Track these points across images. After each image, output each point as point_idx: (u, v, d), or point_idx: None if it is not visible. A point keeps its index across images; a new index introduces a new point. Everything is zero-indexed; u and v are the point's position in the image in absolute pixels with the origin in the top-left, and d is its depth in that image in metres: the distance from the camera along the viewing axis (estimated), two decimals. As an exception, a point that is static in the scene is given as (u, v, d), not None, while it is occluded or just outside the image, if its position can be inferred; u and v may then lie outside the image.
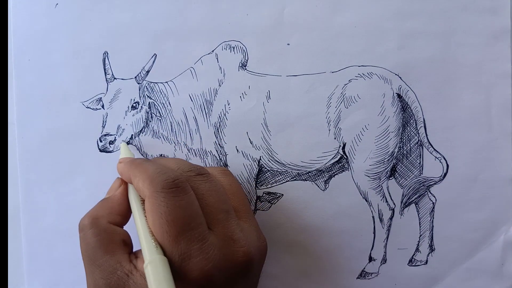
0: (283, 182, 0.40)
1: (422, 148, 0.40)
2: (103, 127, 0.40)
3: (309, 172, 0.40)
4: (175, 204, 0.29)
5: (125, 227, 0.33)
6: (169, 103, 0.40)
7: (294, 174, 0.40)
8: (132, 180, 0.32)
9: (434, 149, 0.40)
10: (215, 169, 0.37)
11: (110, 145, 0.40)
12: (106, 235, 0.31)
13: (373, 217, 0.40)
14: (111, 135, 0.40)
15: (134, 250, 0.32)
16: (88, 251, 0.30)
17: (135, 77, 0.40)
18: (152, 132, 0.40)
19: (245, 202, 0.35)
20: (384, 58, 0.40)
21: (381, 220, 0.40)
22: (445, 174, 0.40)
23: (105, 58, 0.40)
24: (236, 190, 0.35)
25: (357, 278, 0.41)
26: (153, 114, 0.40)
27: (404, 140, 0.40)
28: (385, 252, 0.41)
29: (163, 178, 0.30)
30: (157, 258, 0.28)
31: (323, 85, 0.40)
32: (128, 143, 0.40)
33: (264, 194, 0.40)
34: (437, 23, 0.40)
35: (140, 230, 0.30)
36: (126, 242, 0.32)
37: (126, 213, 0.33)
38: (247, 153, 0.40)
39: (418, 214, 0.41)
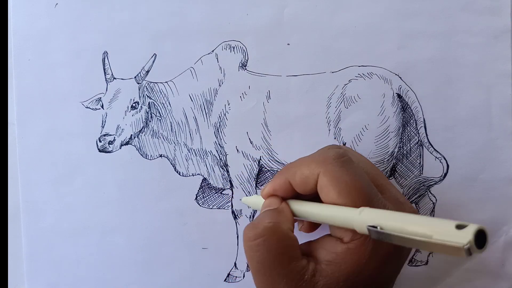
0: (283, 182, 0.40)
1: (422, 148, 0.40)
2: (103, 127, 0.40)
3: (309, 172, 0.40)
4: (354, 173, 0.29)
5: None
6: (169, 103, 0.40)
7: (294, 174, 0.40)
8: (293, 178, 0.31)
9: (434, 149, 0.40)
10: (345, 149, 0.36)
11: (109, 145, 0.40)
12: (290, 242, 0.29)
13: (373, 217, 0.40)
14: (111, 135, 0.40)
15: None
16: (270, 259, 0.28)
17: (135, 77, 0.40)
18: (152, 132, 0.40)
19: (381, 172, 0.35)
20: (384, 58, 0.40)
21: (381, 220, 0.40)
22: (445, 174, 0.40)
23: (104, 58, 0.40)
24: (368, 160, 0.35)
25: (357, 278, 0.41)
26: (153, 114, 0.40)
27: (404, 140, 0.40)
28: (385, 252, 0.40)
29: (328, 155, 0.30)
30: (365, 208, 0.27)
31: (323, 85, 0.40)
32: (127, 143, 0.40)
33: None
34: (437, 23, 0.40)
35: (327, 210, 0.29)
36: (300, 248, 0.30)
37: (294, 224, 0.32)
38: (247, 153, 0.40)
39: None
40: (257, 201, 0.35)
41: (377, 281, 0.26)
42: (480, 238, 0.22)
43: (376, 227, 0.25)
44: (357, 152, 0.36)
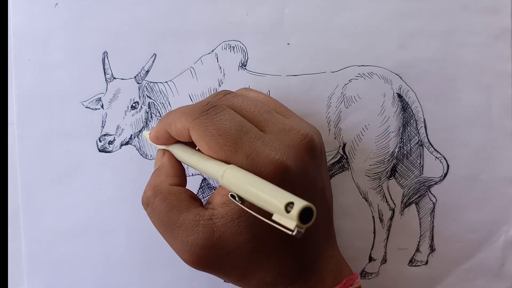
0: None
1: (423, 148, 0.40)
2: (103, 127, 0.40)
3: (309, 172, 0.40)
4: (220, 119, 0.29)
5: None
6: (169, 103, 0.40)
7: (294, 174, 0.40)
8: (169, 130, 0.32)
9: (435, 149, 0.40)
10: (238, 90, 0.36)
11: (110, 145, 0.40)
12: (173, 197, 0.31)
13: (373, 217, 0.40)
14: (111, 135, 0.40)
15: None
16: (163, 219, 0.30)
17: (135, 77, 0.40)
18: (152, 132, 0.40)
19: (280, 103, 0.35)
20: (384, 58, 0.40)
21: (381, 220, 0.40)
22: (445, 174, 0.40)
23: (104, 58, 0.40)
24: (266, 97, 0.35)
25: (357, 278, 0.41)
26: (152, 114, 0.40)
27: (404, 140, 0.40)
28: (385, 252, 0.40)
29: (197, 107, 0.30)
30: (228, 167, 0.28)
31: (323, 85, 0.40)
32: (127, 143, 0.40)
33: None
34: (437, 23, 0.40)
35: (199, 162, 0.30)
36: (194, 197, 0.31)
37: (182, 173, 0.33)
38: (247, 153, 0.40)
39: (419, 214, 0.41)
40: (146, 133, 0.36)
41: None
42: (306, 213, 0.23)
43: (235, 197, 0.27)
44: (246, 90, 0.36)
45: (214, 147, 0.29)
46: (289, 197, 0.24)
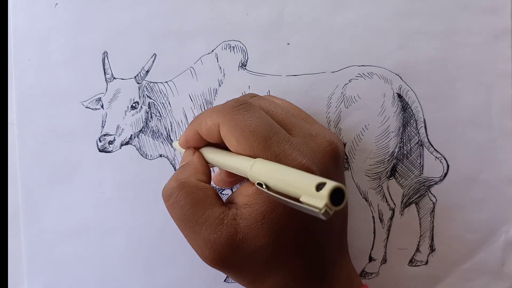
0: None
1: (423, 148, 0.40)
2: (103, 127, 0.40)
3: (309, 172, 0.40)
4: (252, 116, 0.29)
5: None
6: (169, 103, 0.40)
7: (294, 174, 0.40)
8: (199, 129, 0.32)
9: (435, 149, 0.40)
10: (262, 96, 0.37)
11: (110, 145, 0.40)
12: (200, 192, 0.30)
13: (373, 217, 0.40)
14: (111, 135, 0.40)
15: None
16: (186, 213, 0.30)
17: (135, 77, 0.40)
18: (151, 132, 0.40)
19: (303, 111, 0.35)
20: (384, 58, 0.40)
21: (381, 220, 0.40)
22: (445, 174, 0.40)
23: (104, 58, 0.40)
24: (289, 103, 0.36)
25: (357, 278, 0.41)
26: (152, 114, 0.40)
27: (404, 140, 0.40)
28: (385, 252, 0.40)
29: (228, 104, 0.30)
30: (258, 159, 0.28)
31: (323, 85, 0.40)
32: (127, 143, 0.40)
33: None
34: (437, 23, 0.40)
35: (228, 158, 0.30)
36: (219, 196, 0.31)
37: (209, 174, 0.33)
38: (247, 153, 0.40)
39: (419, 214, 0.41)
40: (178, 147, 0.36)
41: (295, 213, 0.26)
42: (337, 195, 0.22)
43: (262, 185, 0.27)
44: (271, 97, 0.36)
45: (243, 143, 0.29)
46: (320, 178, 0.23)
